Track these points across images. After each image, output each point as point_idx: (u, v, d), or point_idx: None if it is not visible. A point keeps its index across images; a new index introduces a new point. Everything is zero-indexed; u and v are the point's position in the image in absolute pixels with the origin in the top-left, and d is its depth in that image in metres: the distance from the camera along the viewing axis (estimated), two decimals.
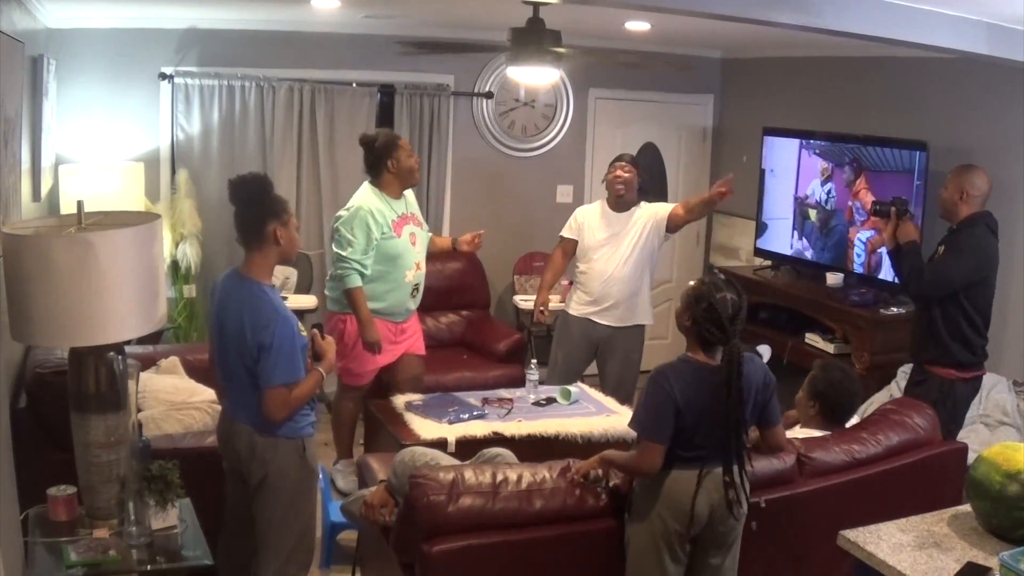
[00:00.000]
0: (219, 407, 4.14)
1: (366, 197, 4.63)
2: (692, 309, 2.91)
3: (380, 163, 4.63)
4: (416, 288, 4.77)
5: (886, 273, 5.28)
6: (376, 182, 4.67)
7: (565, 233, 5.24)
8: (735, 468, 2.87)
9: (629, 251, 5.03)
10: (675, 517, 2.86)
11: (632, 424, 2.98)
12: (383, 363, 4.76)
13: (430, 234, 5.03)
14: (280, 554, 3.22)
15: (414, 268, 4.70)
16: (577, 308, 5.18)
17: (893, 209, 4.23)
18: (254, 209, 3.15)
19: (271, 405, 3.07)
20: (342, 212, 4.64)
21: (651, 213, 5.07)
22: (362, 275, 4.54)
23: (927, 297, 4.18)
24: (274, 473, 3.15)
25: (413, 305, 4.81)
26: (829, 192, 5.81)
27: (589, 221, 5.15)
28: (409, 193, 4.83)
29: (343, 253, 4.54)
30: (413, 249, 4.70)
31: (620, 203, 5.08)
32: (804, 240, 6.04)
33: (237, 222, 3.20)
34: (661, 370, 2.93)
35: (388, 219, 4.59)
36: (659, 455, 2.87)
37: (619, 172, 5.05)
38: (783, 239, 6.19)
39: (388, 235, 4.58)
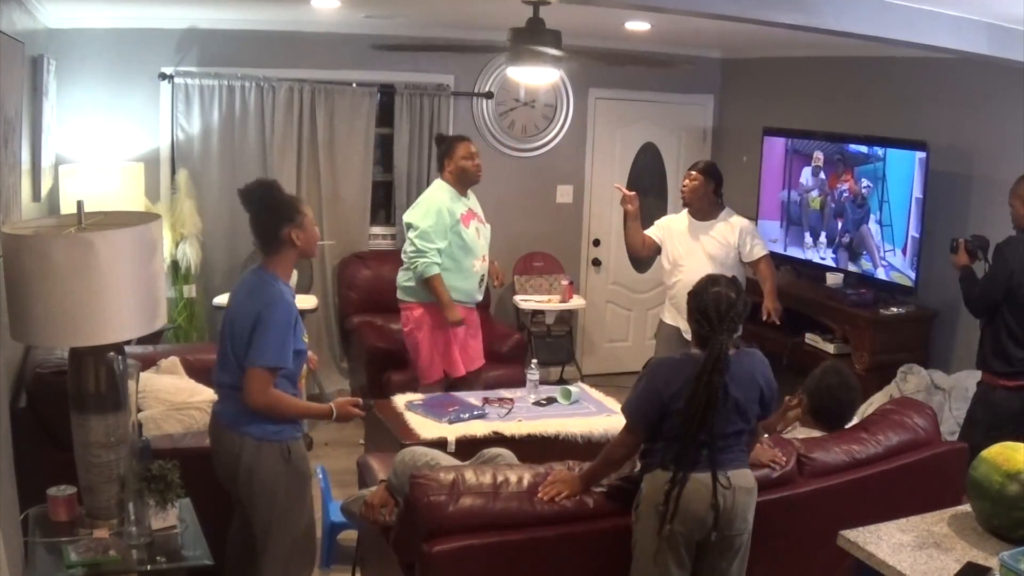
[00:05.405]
0: None
1: (437, 192, 4.94)
2: (690, 302, 2.98)
3: (441, 161, 5.01)
4: (482, 279, 5.07)
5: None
6: (444, 178, 4.98)
7: (649, 231, 5.16)
8: (684, 473, 2.81)
9: (708, 262, 4.84)
10: (681, 520, 2.85)
11: (623, 408, 3.07)
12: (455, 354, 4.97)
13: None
14: (279, 556, 3.23)
15: (480, 259, 5.01)
16: (670, 316, 5.11)
17: (961, 242, 4.30)
18: (265, 216, 3.19)
19: (251, 384, 3.05)
20: (415, 208, 4.93)
21: (736, 236, 4.93)
22: (438, 265, 4.82)
23: (985, 312, 4.21)
24: (260, 479, 3.16)
25: (479, 296, 5.13)
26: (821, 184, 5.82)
27: (673, 228, 5.10)
28: (472, 195, 5.10)
29: (419, 245, 4.80)
30: (479, 242, 5.00)
31: (696, 212, 5.02)
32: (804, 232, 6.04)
33: (252, 228, 3.23)
34: (659, 361, 3.05)
35: (457, 212, 4.89)
36: (636, 442, 2.97)
37: (684, 180, 5.07)
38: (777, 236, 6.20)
39: (458, 227, 4.87)
